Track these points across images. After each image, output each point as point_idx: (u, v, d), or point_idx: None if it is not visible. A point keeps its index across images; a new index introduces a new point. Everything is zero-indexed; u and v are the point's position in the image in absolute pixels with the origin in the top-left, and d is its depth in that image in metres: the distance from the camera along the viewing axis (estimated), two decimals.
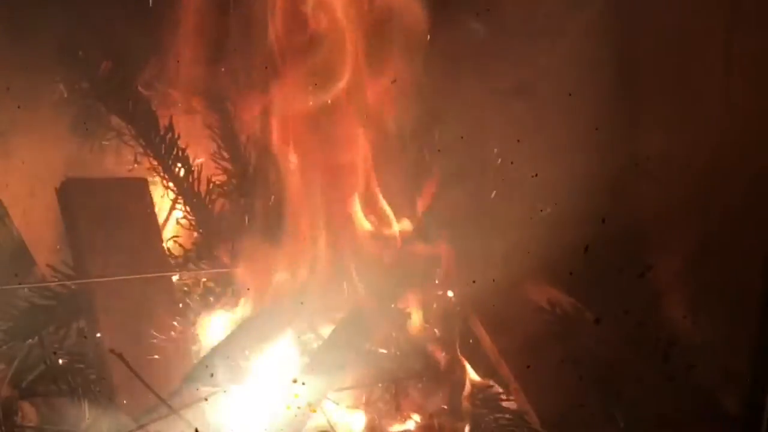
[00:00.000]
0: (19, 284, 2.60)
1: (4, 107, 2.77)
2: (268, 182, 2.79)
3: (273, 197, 2.77)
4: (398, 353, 2.69)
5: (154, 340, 2.57)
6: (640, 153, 2.70)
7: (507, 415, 2.56)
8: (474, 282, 2.58)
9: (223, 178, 2.95)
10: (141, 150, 2.90)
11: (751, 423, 2.29)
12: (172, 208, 2.95)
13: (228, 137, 2.99)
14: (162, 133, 2.91)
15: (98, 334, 2.54)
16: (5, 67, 2.72)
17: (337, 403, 2.61)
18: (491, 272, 2.55)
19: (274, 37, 2.66)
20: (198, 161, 2.95)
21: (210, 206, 2.90)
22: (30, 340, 2.59)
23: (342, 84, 2.65)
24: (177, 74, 3.00)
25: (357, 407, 2.63)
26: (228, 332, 2.65)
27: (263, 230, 2.76)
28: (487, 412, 2.56)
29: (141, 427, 2.38)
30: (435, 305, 2.80)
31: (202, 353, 2.61)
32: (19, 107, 2.77)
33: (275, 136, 2.74)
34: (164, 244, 2.83)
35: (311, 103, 2.68)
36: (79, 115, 2.98)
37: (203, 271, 2.82)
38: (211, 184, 2.92)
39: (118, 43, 2.95)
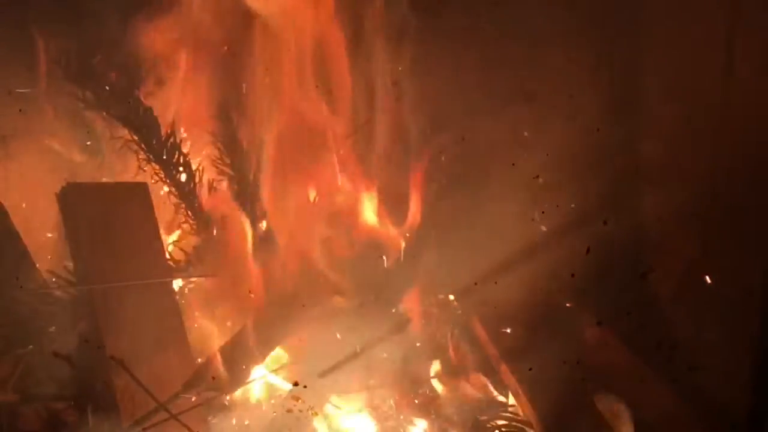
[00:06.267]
0: (20, 288, 2.59)
1: (6, 111, 2.78)
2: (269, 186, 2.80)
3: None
4: (400, 357, 2.68)
5: (156, 345, 2.57)
6: (642, 155, 2.71)
7: (509, 417, 2.55)
8: (475, 284, 2.58)
9: (224, 183, 2.96)
10: (143, 156, 2.90)
11: (753, 423, 2.29)
12: (175, 212, 2.95)
13: (229, 143, 3.00)
14: (164, 139, 2.91)
15: (99, 339, 2.53)
16: (7, 70, 2.73)
17: (339, 407, 2.60)
18: (493, 274, 2.55)
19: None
20: (200, 166, 2.96)
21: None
22: (31, 346, 2.58)
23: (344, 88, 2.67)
24: (179, 81, 3.01)
25: (359, 411, 2.62)
26: (230, 336, 2.65)
27: (264, 234, 2.77)
28: (489, 414, 2.55)
29: (143, 431, 2.38)
30: (436, 308, 2.81)
31: (204, 357, 2.61)
32: (20, 110, 2.79)
33: (276, 140, 2.75)
34: (166, 249, 2.82)
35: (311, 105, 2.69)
36: (81, 121, 2.99)
37: (204, 275, 2.82)
38: (213, 189, 2.92)
39: (122, 52, 2.96)
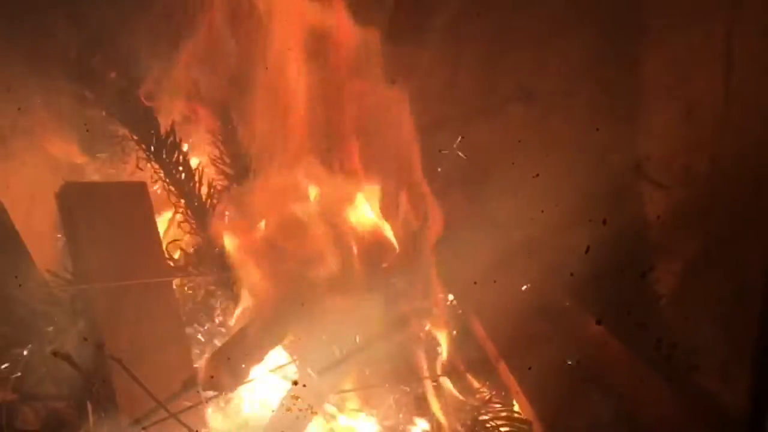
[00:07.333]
0: (19, 287, 2.59)
1: (5, 109, 2.78)
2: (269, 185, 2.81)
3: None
4: (400, 356, 2.68)
5: (155, 344, 2.57)
6: (641, 154, 2.71)
7: (509, 417, 2.55)
8: (475, 283, 2.58)
9: (224, 183, 2.96)
10: (143, 154, 2.90)
11: (753, 423, 2.29)
12: (174, 212, 2.95)
13: (229, 142, 3.00)
14: (164, 137, 2.91)
15: (98, 339, 2.53)
16: (7, 68, 2.73)
17: (338, 406, 2.60)
18: (492, 273, 2.55)
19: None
20: (200, 166, 2.96)
21: (211, 210, 2.89)
22: (31, 345, 2.58)
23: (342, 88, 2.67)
24: (179, 81, 3.01)
25: (358, 410, 2.62)
26: (229, 335, 2.65)
27: (263, 234, 2.77)
28: (489, 414, 2.55)
29: (142, 430, 2.37)
30: (436, 308, 2.81)
31: (203, 356, 2.60)
32: (19, 109, 2.79)
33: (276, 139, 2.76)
34: (164, 248, 2.82)
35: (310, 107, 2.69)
36: (81, 121, 2.99)
37: (204, 275, 2.82)
38: (212, 189, 2.92)
39: (121, 51, 2.96)
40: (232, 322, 2.73)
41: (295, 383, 2.48)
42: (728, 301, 2.52)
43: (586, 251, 2.44)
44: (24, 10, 2.84)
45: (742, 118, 2.54)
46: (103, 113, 2.96)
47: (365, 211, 2.74)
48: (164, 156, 2.90)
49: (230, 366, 2.48)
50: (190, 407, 2.43)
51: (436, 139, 2.76)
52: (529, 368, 2.54)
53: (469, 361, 2.70)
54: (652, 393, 2.50)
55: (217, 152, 2.99)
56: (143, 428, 2.37)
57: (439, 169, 2.81)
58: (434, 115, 2.74)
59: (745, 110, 2.53)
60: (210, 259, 2.84)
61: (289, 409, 2.47)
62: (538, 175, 2.52)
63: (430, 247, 2.71)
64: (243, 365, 2.52)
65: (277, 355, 2.66)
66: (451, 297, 2.85)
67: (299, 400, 2.47)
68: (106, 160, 3.03)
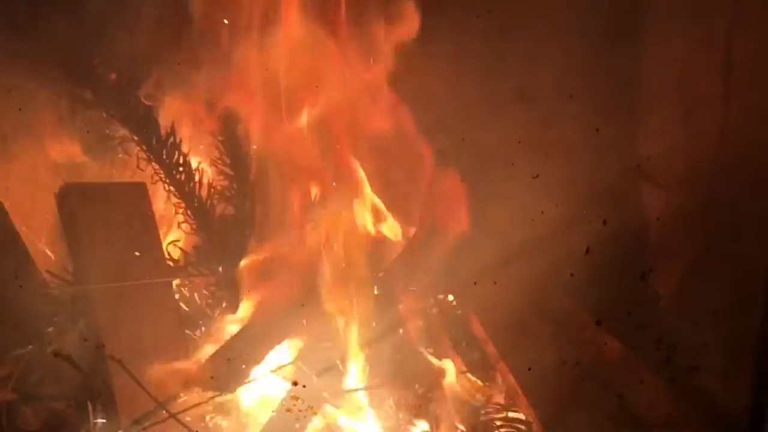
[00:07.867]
0: (20, 288, 2.59)
1: (5, 110, 2.78)
2: (269, 187, 2.81)
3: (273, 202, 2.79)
4: (399, 357, 2.68)
5: (154, 345, 2.57)
6: (641, 154, 2.71)
7: (509, 417, 2.55)
8: (475, 284, 2.58)
9: (224, 183, 2.96)
10: (143, 155, 2.90)
11: (753, 424, 2.29)
12: (174, 212, 2.95)
13: (229, 143, 3.00)
14: (164, 138, 2.91)
15: (99, 339, 2.53)
16: (8, 69, 2.73)
17: (338, 407, 2.60)
18: (492, 273, 2.55)
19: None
20: (200, 166, 2.96)
21: (211, 211, 2.90)
22: (31, 346, 2.58)
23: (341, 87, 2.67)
24: (179, 82, 3.01)
25: (358, 411, 2.62)
26: (229, 336, 2.65)
27: (263, 234, 2.77)
28: (489, 414, 2.55)
29: (142, 430, 2.38)
30: (435, 309, 2.81)
31: (203, 357, 2.60)
32: (20, 110, 2.79)
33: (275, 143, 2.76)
34: (164, 249, 2.83)
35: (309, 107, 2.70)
36: (81, 121, 2.99)
37: (203, 275, 2.82)
38: (212, 189, 2.92)
39: (121, 52, 2.96)
40: (231, 322, 2.73)
41: (295, 383, 2.48)
42: (728, 302, 2.52)
43: (586, 252, 2.44)
44: (25, 11, 2.84)
45: (742, 118, 2.54)
46: (104, 114, 2.95)
47: (366, 211, 2.75)
48: (164, 156, 2.90)
49: (230, 366, 2.49)
50: (190, 408, 2.44)
51: (436, 140, 2.76)
52: (529, 368, 2.53)
53: (469, 361, 2.70)
54: (652, 393, 2.49)
55: (217, 152, 2.99)
56: (143, 428, 2.37)
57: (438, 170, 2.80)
58: (434, 115, 2.74)
59: (745, 110, 2.53)
60: (210, 260, 2.85)
61: (289, 409, 2.48)
62: (538, 175, 2.52)
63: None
64: (243, 365, 2.52)
65: (277, 355, 2.66)
66: (451, 297, 2.85)
67: (299, 400, 2.47)
68: (106, 160, 3.02)
